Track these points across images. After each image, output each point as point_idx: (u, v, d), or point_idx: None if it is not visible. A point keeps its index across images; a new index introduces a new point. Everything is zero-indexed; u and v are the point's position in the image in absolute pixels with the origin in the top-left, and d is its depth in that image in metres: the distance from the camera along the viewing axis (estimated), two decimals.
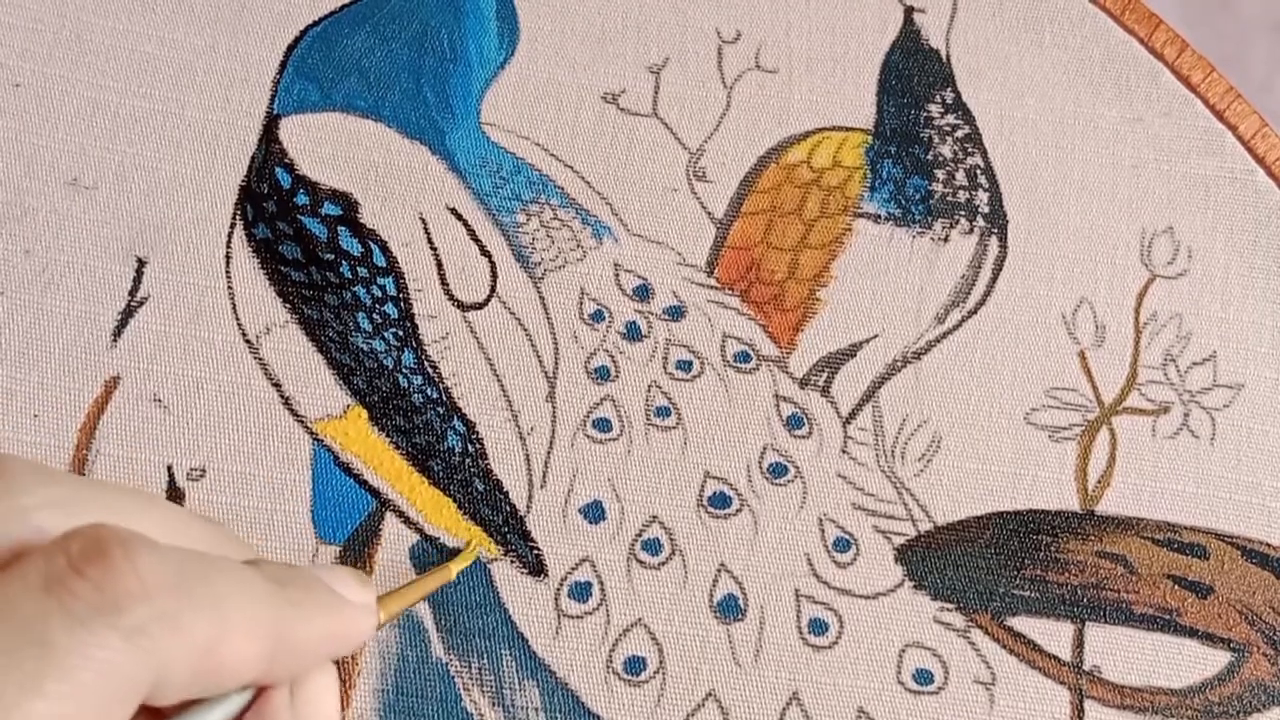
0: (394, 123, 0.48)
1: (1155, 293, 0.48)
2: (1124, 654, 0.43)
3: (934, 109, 0.50)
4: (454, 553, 0.43)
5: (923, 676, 0.43)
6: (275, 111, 0.48)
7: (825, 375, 0.46)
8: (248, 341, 0.45)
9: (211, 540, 0.32)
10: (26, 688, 0.25)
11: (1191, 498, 0.45)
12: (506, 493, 0.44)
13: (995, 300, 0.47)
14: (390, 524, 0.43)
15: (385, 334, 0.45)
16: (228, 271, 0.45)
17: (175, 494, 0.43)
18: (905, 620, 0.43)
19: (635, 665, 0.42)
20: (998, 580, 0.44)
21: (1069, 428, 0.46)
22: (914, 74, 0.50)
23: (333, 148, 0.47)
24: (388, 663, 0.42)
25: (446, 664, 0.42)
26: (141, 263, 0.45)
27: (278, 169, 0.47)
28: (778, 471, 0.45)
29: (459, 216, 0.47)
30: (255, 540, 0.42)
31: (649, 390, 0.45)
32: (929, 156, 0.49)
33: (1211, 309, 0.48)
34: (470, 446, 0.44)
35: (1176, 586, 0.44)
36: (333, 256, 0.45)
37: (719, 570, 0.44)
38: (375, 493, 0.43)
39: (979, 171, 0.49)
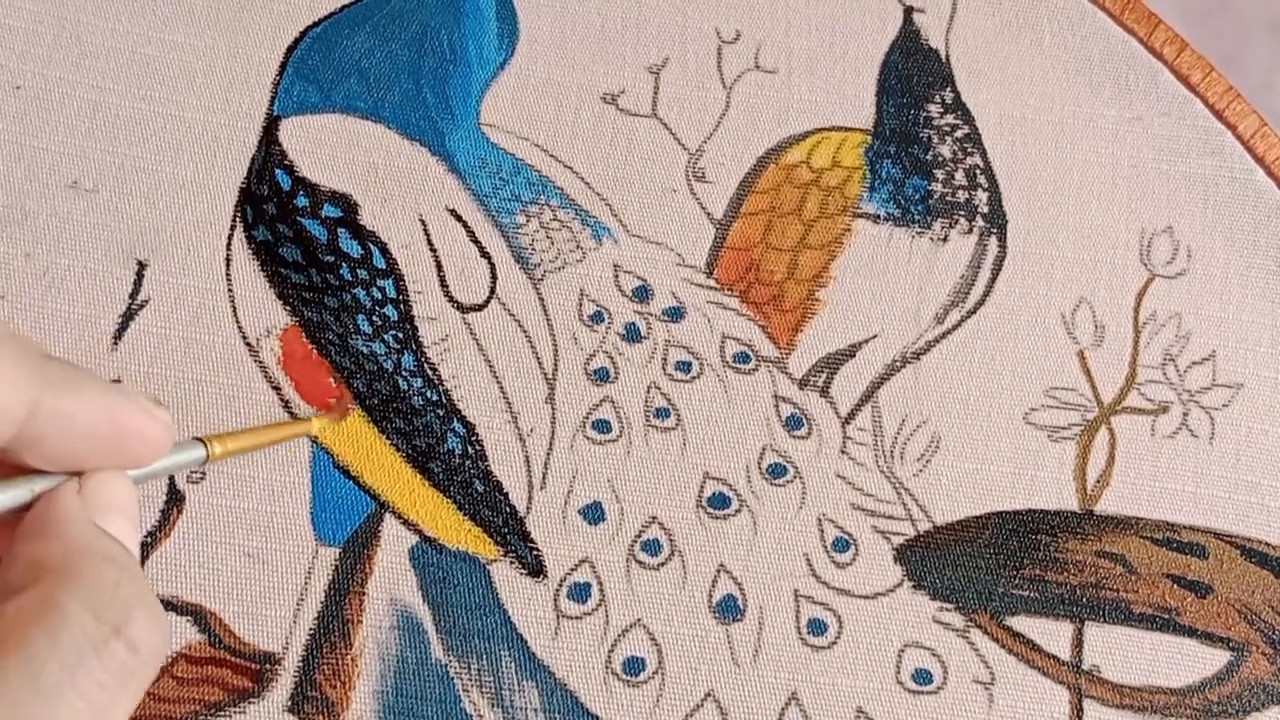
0: (394, 124, 0.48)
1: (1154, 292, 0.48)
2: (1123, 653, 0.43)
3: (933, 109, 0.50)
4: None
5: (922, 676, 0.43)
6: (275, 113, 0.48)
7: (824, 376, 0.46)
8: (248, 344, 0.45)
9: None
10: None
11: (1190, 497, 0.45)
12: (506, 494, 0.44)
13: (994, 300, 0.47)
14: (389, 525, 0.43)
15: (385, 336, 0.45)
16: (228, 274, 0.45)
17: (175, 497, 0.43)
18: (904, 620, 0.43)
19: (634, 666, 0.42)
20: (997, 580, 0.44)
21: (1068, 427, 0.46)
22: (913, 74, 0.50)
23: (332, 149, 0.47)
24: (387, 664, 0.42)
25: (446, 665, 0.42)
26: (142, 265, 0.45)
27: (278, 171, 0.47)
28: (777, 472, 0.45)
29: (459, 218, 0.47)
30: (255, 543, 0.43)
31: (648, 391, 0.45)
32: (928, 156, 0.49)
33: (1211, 308, 0.48)
34: (470, 448, 0.44)
35: (1176, 586, 0.44)
36: (333, 259, 0.45)
37: (718, 571, 0.44)
38: (374, 494, 0.43)
39: (978, 171, 0.49)
